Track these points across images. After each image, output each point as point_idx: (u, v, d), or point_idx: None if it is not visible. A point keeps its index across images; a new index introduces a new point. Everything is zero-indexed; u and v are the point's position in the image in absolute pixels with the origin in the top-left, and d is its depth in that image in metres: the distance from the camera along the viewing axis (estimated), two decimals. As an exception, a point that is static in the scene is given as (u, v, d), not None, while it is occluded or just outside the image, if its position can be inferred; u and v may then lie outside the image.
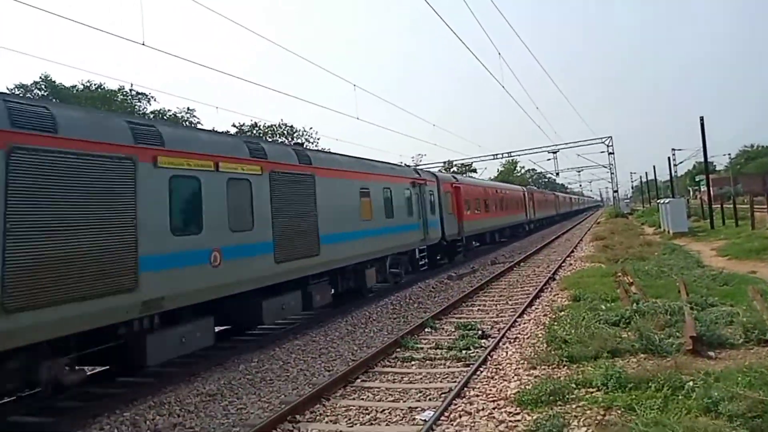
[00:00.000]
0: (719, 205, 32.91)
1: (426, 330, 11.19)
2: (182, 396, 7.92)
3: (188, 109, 47.53)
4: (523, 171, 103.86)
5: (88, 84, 42.62)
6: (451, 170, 65.94)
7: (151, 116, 43.31)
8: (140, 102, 45.33)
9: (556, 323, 9.80)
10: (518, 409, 6.19)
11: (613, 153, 61.99)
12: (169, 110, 46.68)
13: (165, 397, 7.86)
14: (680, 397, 5.66)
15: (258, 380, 8.67)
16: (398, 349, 9.75)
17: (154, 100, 45.71)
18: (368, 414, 6.74)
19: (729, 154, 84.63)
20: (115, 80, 59.45)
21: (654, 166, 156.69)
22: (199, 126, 44.09)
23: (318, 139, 56.38)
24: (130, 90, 43.78)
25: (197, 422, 7.03)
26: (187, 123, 45.10)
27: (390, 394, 7.46)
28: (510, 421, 5.89)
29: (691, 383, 5.89)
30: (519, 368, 7.77)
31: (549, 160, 64.74)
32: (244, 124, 51.36)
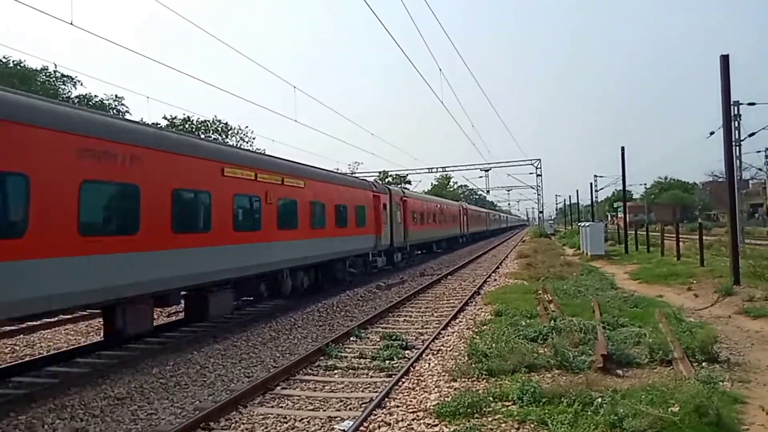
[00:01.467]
0: (634, 232, 35.05)
1: (351, 339, 11.14)
2: (87, 399, 7.43)
3: (116, 96, 45.28)
4: (455, 186, 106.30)
5: (5, 60, 39.67)
6: (386, 180, 66.48)
7: (76, 101, 40.91)
8: (65, 85, 42.69)
9: (478, 337, 10.01)
10: (437, 420, 6.24)
11: (540, 175, 64.65)
12: (95, 96, 44.27)
13: (68, 400, 7.35)
14: (589, 413, 5.90)
15: (172, 385, 8.29)
16: (322, 357, 9.63)
17: (80, 84, 43.23)
18: (286, 423, 6.59)
19: (645, 184, 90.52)
20: (38, 59, 55.91)
21: (577, 191, 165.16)
22: (127, 116, 42.13)
23: (254, 138, 55.34)
24: (54, 71, 41.19)
25: (102, 427, 6.62)
26: (114, 111, 42.95)
27: (310, 403, 7.33)
28: (428, 432, 5.93)
29: (599, 399, 6.16)
30: (440, 380, 7.86)
31: (481, 177, 66.66)
32: (176, 117, 49.58)
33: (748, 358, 8.32)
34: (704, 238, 22.37)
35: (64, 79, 42.27)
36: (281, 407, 7.21)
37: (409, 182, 72.72)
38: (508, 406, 6.46)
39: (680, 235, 25.52)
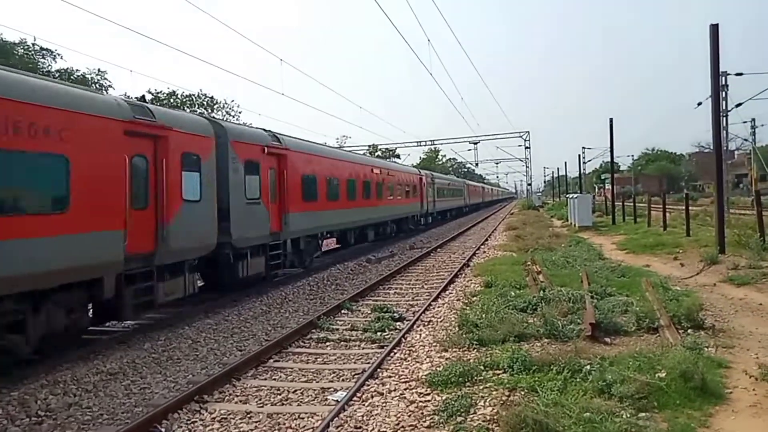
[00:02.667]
0: (621, 203, 35.33)
1: (342, 311, 11.21)
2: (80, 374, 7.45)
3: (99, 70, 44.24)
4: (444, 159, 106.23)
5: (-18, 33, 38.49)
6: (375, 154, 65.87)
7: (57, 75, 39.97)
8: (44, 59, 41.61)
9: (468, 308, 10.12)
10: (429, 389, 6.33)
11: (529, 147, 64.64)
12: (77, 70, 43.25)
13: (60, 376, 7.37)
14: (578, 380, 6.01)
15: (165, 359, 8.32)
16: (314, 330, 9.69)
17: (60, 57, 42.13)
18: (280, 394, 6.66)
19: (632, 155, 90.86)
20: (19, 32, 54.44)
21: (565, 163, 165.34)
22: (110, 90, 41.32)
23: (240, 112, 54.60)
24: (33, 44, 40.10)
25: (95, 402, 6.65)
26: (96, 85, 42.07)
27: (303, 375, 7.41)
28: (420, 401, 6.02)
29: (588, 367, 6.28)
30: (431, 350, 7.95)
31: (470, 150, 66.51)
32: (161, 91, 48.67)
33: (732, 325, 8.50)
34: (690, 208, 22.60)
35: (44, 52, 41.21)
36: (274, 379, 7.28)
37: (398, 156, 72.52)
38: (498, 374, 6.57)
39: (667, 206, 25.73)
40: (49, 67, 41.51)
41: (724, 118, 25.23)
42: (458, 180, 59.48)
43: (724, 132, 25.11)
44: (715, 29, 15.48)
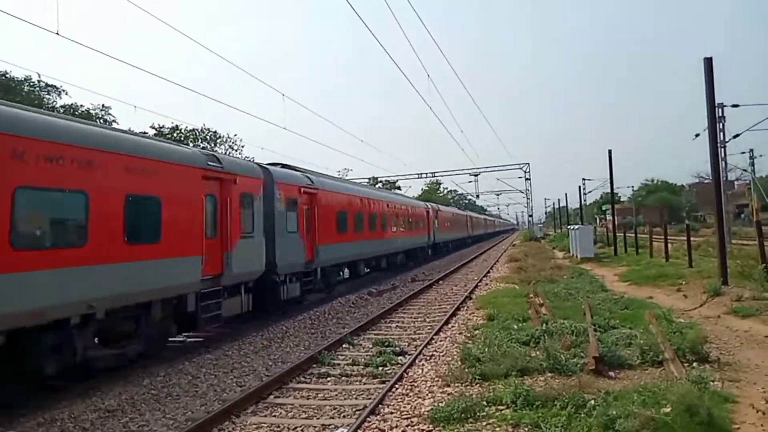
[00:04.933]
0: (622, 234, 35.32)
1: (344, 346, 11.11)
2: (77, 412, 7.35)
3: (103, 106, 44.99)
4: (445, 191, 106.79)
5: (-11, 71, 39.29)
6: (376, 187, 66.21)
7: (61, 110, 40.58)
8: (49, 95, 42.34)
9: (470, 341, 10.03)
10: (431, 426, 6.24)
11: (529, 179, 65.09)
12: (81, 106, 43.97)
13: (57, 413, 7.27)
14: (582, 415, 5.93)
15: (164, 396, 8.22)
16: (314, 365, 9.59)
17: (65, 93, 42.88)
18: (280, 431, 6.56)
19: (632, 186, 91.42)
20: (25, 70, 55.46)
21: (566, 194, 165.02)
22: (114, 125, 41.84)
23: (242, 146, 55.20)
24: (38, 81, 40.86)
25: (93, 441, 6.54)
26: (101, 120, 42.66)
27: (304, 411, 7.30)
28: (422, 438, 5.93)
29: (592, 401, 6.19)
30: (433, 385, 7.86)
31: (470, 182, 66.85)
32: (163, 126, 49.33)
33: (738, 358, 8.40)
34: (692, 239, 22.57)
35: (49, 88, 41.96)
36: (274, 416, 7.17)
37: (398, 188, 72.89)
38: (501, 410, 6.48)
39: (668, 237, 25.72)
40: (54, 103, 42.20)
41: (722, 149, 25.45)
42: (461, 212, 60.79)
43: (723, 163, 25.28)
44: (709, 63, 15.75)
